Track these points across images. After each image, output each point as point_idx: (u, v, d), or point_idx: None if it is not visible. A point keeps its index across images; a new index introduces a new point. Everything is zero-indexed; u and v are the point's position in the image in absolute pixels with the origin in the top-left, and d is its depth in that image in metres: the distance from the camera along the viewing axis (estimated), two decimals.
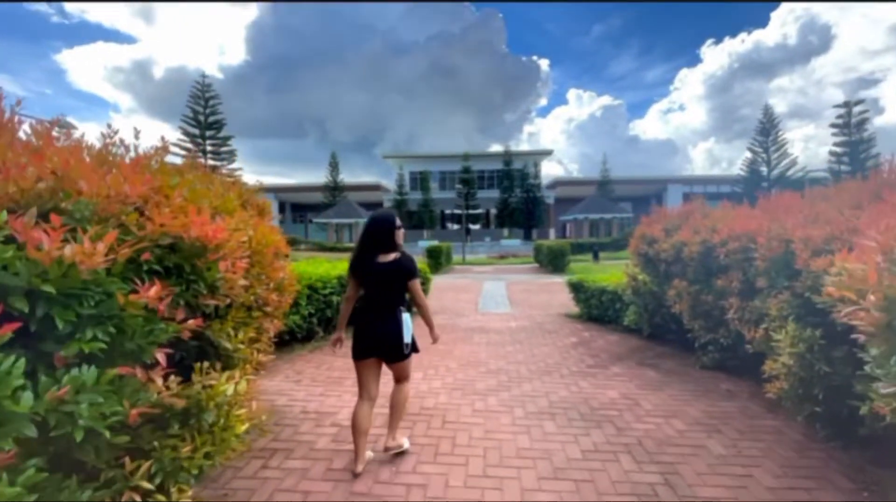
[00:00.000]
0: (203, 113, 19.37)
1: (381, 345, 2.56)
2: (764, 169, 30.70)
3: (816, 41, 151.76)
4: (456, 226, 49.31)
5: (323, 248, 32.46)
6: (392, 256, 2.56)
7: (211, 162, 19.68)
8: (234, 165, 20.34)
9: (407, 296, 2.67)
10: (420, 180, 46.50)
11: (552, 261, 14.98)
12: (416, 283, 2.63)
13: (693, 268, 4.20)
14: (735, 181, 47.30)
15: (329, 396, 3.80)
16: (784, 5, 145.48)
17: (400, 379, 2.72)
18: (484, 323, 6.73)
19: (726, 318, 3.79)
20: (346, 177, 52.60)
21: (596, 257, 19.84)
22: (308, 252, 29.41)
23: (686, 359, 4.75)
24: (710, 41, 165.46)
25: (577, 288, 6.98)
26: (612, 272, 6.94)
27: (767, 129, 30.25)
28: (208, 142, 19.44)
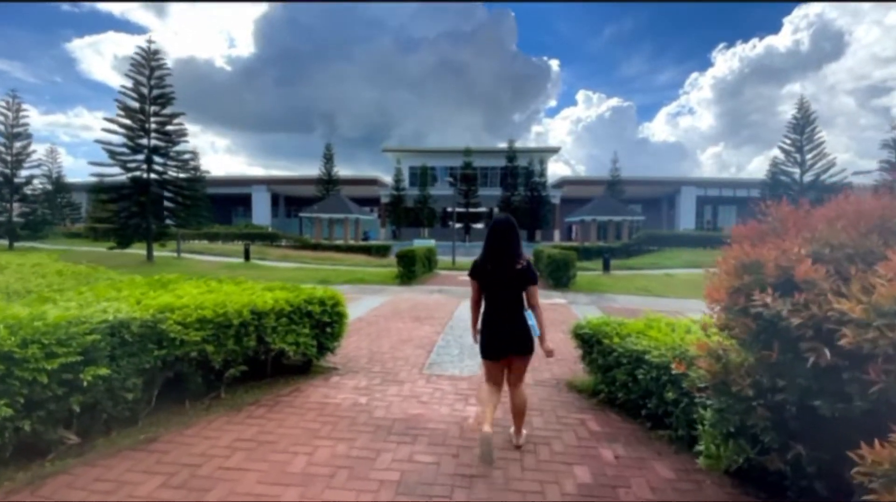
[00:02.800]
0: (147, 85, 16.46)
1: (514, 342, 2.78)
2: (795, 170, 27.43)
3: (829, 48, 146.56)
4: (458, 225, 46.38)
5: (305, 246, 29.63)
6: (522, 263, 2.78)
7: (155, 142, 16.76)
8: (182, 147, 17.37)
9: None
10: (420, 175, 43.51)
11: (553, 274, 11.90)
12: (536, 289, 2.83)
13: None
14: (752, 184, 43.98)
15: None
16: (797, 11, 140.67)
17: (519, 379, 2.93)
18: (421, 406, 3.78)
19: None
20: (352, 171, 49.90)
21: (606, 267, 16.82)
22: (284, 250, 26.61)
23: None
24: (721, 45, 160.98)
25: (588, 343, 4.03)
26: (651, 316, 3.98)
27: (802, 126, 26.97)
28: (152, 118, 16.52)
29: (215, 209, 49.67)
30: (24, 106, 23.18)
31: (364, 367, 4.66)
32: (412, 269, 12.03)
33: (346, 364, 4.77)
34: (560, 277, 11.66)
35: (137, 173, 16.29)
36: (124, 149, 16.09)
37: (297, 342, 3.96)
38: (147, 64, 16.28)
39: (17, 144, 22.82)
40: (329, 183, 43.60)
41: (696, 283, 13.44)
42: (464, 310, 9.04)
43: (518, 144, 44.10)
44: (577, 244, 31.71)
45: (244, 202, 51.69)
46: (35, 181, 24.55)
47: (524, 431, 3.11)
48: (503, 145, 44.56)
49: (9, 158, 22.63)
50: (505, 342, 2.79)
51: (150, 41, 16.12)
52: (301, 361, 4.37)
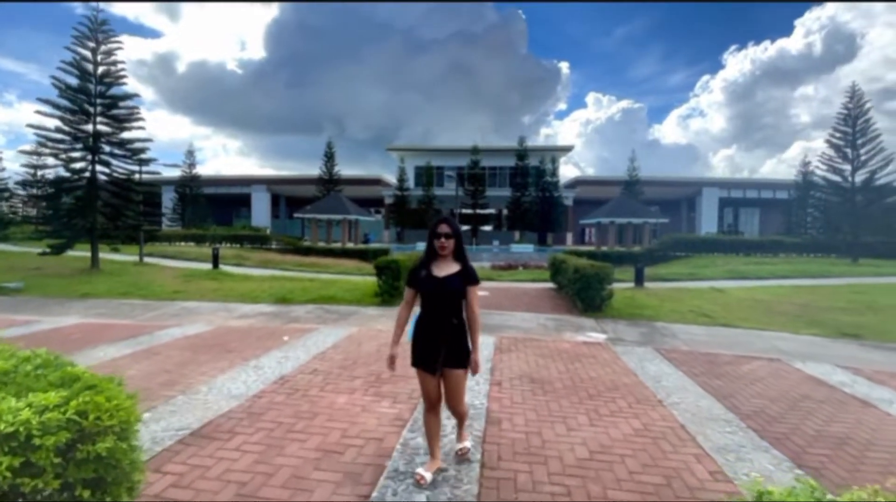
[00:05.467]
0: (92, 60, 13.93)
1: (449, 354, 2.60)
2: (846, 167, 24.19)
3: (842, 50, 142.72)
4: (465, 228, 43.81)
5: (296, 250, 26.95)
6: (458, 266, 2.56)
7: (101, 127, 14.20)
8: (135, 134, 14.72)
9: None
10: (425, 175, 40.98)
11: (582, 293, 8.98)
12: (475, 290, 2.58)
13: None
14: (779, 186, 40.50)
15: None
16: (808, 14, 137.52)
17: (457, 400, 2.66)
18: None
19: None
20: (362, 172, 47.86)
21: (640, 279, 13.92)
22: (268, 254, 23.98)
23: None
24: (732, 47, 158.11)
25: None
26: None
27: (854, 118, 23.74)
28: (98, 100, 13.99)
29: (215, 210, 47.78)
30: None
31: None
32: (395, 285, 9.31)
33: None
34: (592, 298, 8.72)
35: (81, 164, 13.80)
36: (63, 137, 13.61)
37: None
38: (93, 35, 13.78)
39: None
40: (330, 182, 41.21)
41: (760, 304, 10.52)
42: None
43: (527, 144, 41.26)
44: (594, 248, 28.86)
45: (246, 203, 50.01)
46: None
47: (467, 435, 2.88)
48: (513, 144, 41.77)
49: None
50: (439, 353, 2.51)
51: (97, 10, 13.68)
52: None
